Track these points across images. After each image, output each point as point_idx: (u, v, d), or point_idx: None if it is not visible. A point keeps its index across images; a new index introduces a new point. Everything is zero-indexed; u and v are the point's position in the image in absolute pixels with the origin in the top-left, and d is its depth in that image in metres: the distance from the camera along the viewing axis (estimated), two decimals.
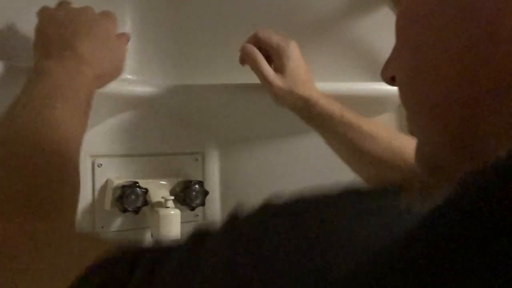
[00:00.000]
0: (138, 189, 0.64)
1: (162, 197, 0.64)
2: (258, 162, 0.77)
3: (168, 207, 0.64)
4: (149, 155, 0.71)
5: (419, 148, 0.29)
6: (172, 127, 0.73)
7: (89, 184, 0.67)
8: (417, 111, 0.28)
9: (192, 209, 0.70)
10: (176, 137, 0.74)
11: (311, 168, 0.75)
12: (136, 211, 0.64)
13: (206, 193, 0.70)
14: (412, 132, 0.29)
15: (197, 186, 0.69)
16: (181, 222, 0.65)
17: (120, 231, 0.69)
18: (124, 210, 0.63)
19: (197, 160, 0.76)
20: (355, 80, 0.71)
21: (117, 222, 0.69)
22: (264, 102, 0.62)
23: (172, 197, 0.65)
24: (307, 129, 0.74)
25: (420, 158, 0.29)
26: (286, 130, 0.76)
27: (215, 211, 0.78)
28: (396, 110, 0.72)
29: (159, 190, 0.68)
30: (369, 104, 0.70)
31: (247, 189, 0.78)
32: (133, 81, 0.68)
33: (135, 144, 0.70)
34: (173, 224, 0.64)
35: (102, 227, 0.68)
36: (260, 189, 0.77)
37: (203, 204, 0.70)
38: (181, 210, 0.66)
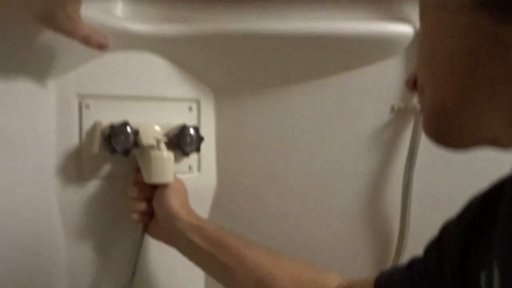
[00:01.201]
0: (128, 128, 0.60)
1: (154, 138, 0.60)
2: (256, 113, 0.73)
3: (161, 149, 0.60)
4: (141, 98, 0.67)
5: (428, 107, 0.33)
6: (167, 71, 0.69)
7: (76, 126, 0.62)
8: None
9: (186, 154, 0.65)
10: (171, 82, 0.69)
11: (308, 116, 0.71)
12: (126, 152, 0.60)
13: (201, 139, 0.66)
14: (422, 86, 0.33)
15: (192, 130, 0.65)
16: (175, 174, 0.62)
17: (109, 177, 0.64)
18: (113, 151, 0.59)
19: (191, 108, 0.72)
20: (360, 19, 0.66)
21: (106, 167, 0.64)
22: (262, 51, 0.59)
23: (165, 138, 0.61)
24: (303, 78, 0.70)
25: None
26: (285, 78, 0.72)
27: (210, 161, 0.74)
28: (403, 55, 0.68)
29: (151, 132, 0.64)
30: (375, 46, 0.66)
31: (243, 138, 0.74)
32: (127, 18, 0.64)
33: (127, 86, 0.66)
34: (165, 167, 0.60)
35: (90, 171, 0.63)
36: (257, 139, 0.73)
37: (198, 149, 0.66)
38: (175, 157, 0.63)
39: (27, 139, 0.56)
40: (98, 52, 0.63)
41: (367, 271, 0.71)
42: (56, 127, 0.61)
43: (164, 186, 0.60)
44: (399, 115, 0.67)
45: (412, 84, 0.36)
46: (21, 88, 0.55)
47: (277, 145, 0.72)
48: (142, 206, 0.62)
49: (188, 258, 0.58)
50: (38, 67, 0.56)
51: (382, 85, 0.67)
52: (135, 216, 0.62)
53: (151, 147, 0.61)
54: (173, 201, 0.58)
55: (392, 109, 0.67)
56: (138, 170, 0.63)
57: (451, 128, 0.31)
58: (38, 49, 0.53)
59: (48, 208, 0.60)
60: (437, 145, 0.33)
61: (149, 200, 0.62)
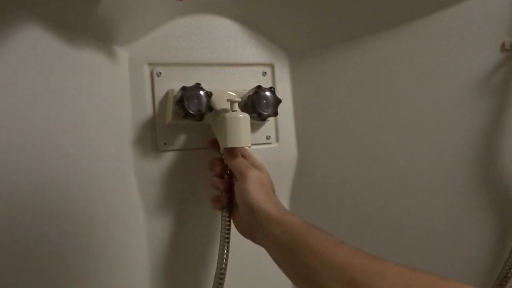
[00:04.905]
0: (201, 91, 0.56)
1: (228, 100, 0.55)
2: (336, 72, 0.66)
3: (236, 110, 0.55)
4: (213, 64, 0.63)
5: None
6: (239, 35, 0.65)
7: (149, 95, 0.60)
8: None
9: (263, 119, 0.60)
10: (243, 46, 0.65)
11: (396, 67, 0.62)
12: (200, 116, 0.56)
13: (278, 101, 0.60)
14: None
15: (268, 93, 0.60)
16: (252, 145, 0.56)
17: (183, 150, 0.61)
18: (186, 115, 0.55)
19: (265, 73, 0.66)
20: None
21: (181, 139, 0.61)
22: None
23: (239, 99, 0.56)
24: (386, 24, 0.62)
25: None
26: (365, 27, 0.64)
27: (288, 130, 0.68)
28: None
29: (224, 96, 0.59)
30: None
31: (324, 102, 0.67)
32: None
33: (198, 52, 0.62)
34: (242, 129, 0.55)
35: (165, 143, 0.60)
36: (340, 101, 0.66)
37: (275, 114, 0.60)
38: (252, 124, 0.57)
39: (105, 110, 0.55)
40: (166, 16, 0.61)
41: (486, 242, 0.60)
42: (130, 97, 0.59)
43: (244, 175, 0.52)
44: None
45: None
46: (94, 58, 0.53)
47: (363, 104, 0.64)
48: (221, 186, 0.57)
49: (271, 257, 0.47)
50: (106, 34, 0.54)
51: (488, 19, 0.56)
52: (215, 203, 0.57)
53: (225, 110, 0.56)
54: (254, 191, 0.50)
55: (503, 47, 0.56)
56: (214, 143, 0.59)
57: None
58: (103, 15, 0.51)
59: (126, 180, 0.58)
60: None
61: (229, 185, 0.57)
